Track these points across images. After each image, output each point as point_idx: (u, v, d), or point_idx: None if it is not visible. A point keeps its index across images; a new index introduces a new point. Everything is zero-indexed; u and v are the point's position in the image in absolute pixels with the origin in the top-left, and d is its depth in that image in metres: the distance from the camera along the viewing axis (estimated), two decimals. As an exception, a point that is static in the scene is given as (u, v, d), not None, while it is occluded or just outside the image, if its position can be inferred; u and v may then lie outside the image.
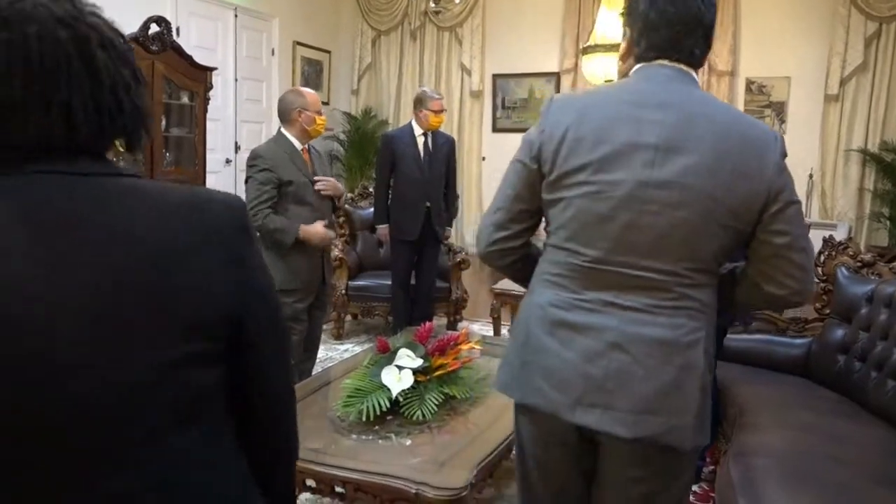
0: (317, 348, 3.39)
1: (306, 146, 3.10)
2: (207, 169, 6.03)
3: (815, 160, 6.92)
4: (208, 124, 5.99)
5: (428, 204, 4.22)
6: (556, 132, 1.33)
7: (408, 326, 4.26)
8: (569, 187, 1.31)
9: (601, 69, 5.92)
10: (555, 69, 7.87)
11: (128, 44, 0.81)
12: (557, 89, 7.87)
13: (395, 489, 1.74)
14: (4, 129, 0.72)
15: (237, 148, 7.14)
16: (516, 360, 1.40)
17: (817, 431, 2.26)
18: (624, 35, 1.45)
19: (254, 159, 2.97)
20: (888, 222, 6.57)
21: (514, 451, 1.55)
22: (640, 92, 1.34)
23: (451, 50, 8.34)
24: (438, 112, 4.29)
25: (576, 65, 7.60)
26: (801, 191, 5.40)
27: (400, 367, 2.23)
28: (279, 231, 2.93)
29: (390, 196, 4.29)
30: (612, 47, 5.70)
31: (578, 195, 1.30)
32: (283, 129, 3.06)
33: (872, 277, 2.83)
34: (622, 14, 1.47)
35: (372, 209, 4.62)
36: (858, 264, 2.96)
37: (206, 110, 5.84)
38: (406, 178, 4.23)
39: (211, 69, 5.80)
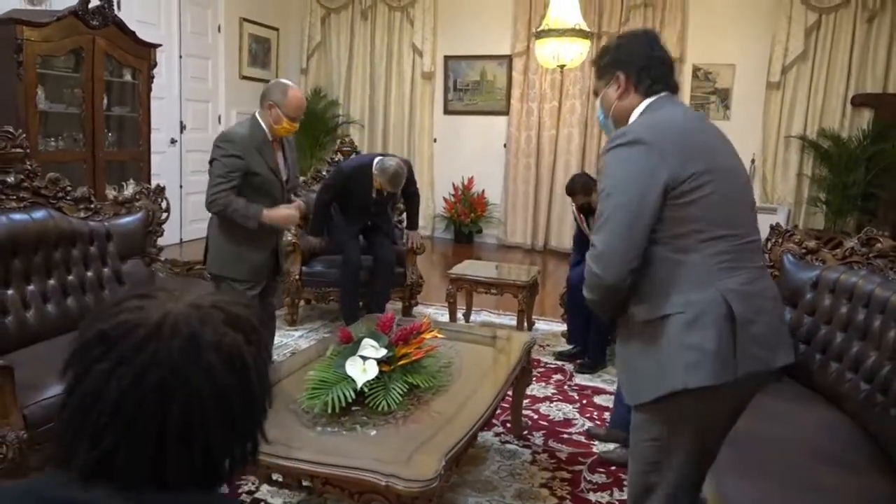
0: (272, 336, 3.33)
1: (276, 139, 2.99)
2: (152, 149, 5.84)
3: (757, 146, 7.15)
4: (153, 103, 5.79)
5: (370, 222, 4.45)
6: (669, 154, 1.55)
7: (360, 308, 4.26)
8: (699, 188, 1.54)
9: (552, 53, 5.96)
10: (507, 52, 7.88)
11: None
12: (509, 72, 7.89)
13: (364, 482, 1.73)
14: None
15: (182, 127, 6.93)
16: (724, 346, 1.50)
17: (765, 414, 2.35)
18: (614, 77, 1.70)
19: (225, 142, 2.84)
20: (824, 206, 6.85)
21: (661, 445, 1.64)
22: (685, 116, 1.73)
23: (402, 30, 8.25)
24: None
25: (528, 48, 7.62)
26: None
27: (364, 358, 2.21)
28: (241, 215, 2.83)
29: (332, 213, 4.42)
30: (565, 32, 5.74)
31: (709, 192, 1.54)
32: (257, 114, 2.92)
33: (817, 263, 2.95)
34: (602, 62, 1.75)
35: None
36: (803, 251, 3.07)
37: (150, 88, 5.64)
38: (354, 209, 4.37)
39: (155, 46, 5.60)
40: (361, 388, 2.14)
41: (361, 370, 2.18)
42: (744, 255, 1.60)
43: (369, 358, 2.21)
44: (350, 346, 2.29)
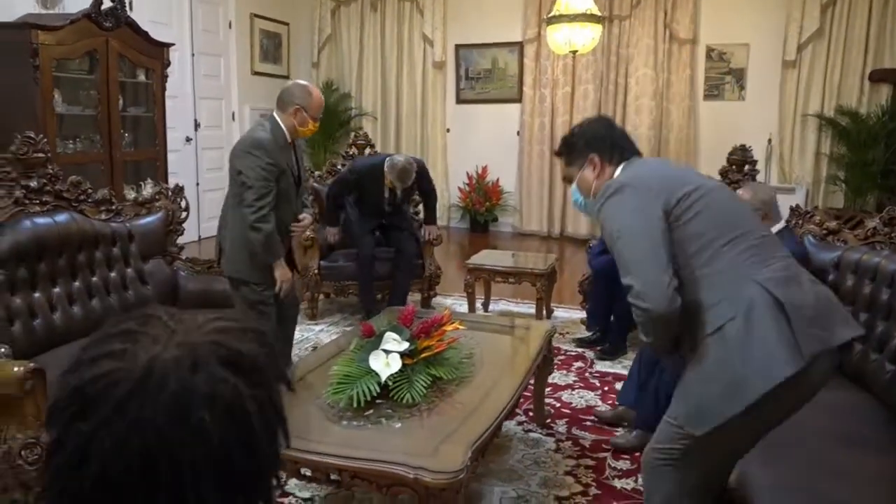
0: (292, 336, 3.31)
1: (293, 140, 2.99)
2: (168, 148, 5.88)
3: (773, 126, 7.07)
4: (167, 102, 5.83)
5: (385, 220, 4.49)
6: (655, 188, 1.68)
7: (378, 300, 4.29)
8: (695, 203, 1.65)
9: (564, 38, 5.93)
10: (518, 39, 7.84)
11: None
12: (521, 59, 7.85)
13: (392, 475, 1.75)
14: None
15: (196, 125, 6.97)
16: (784, 331, 1.52)
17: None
18: (588, 160, 1.85)
19: (257, 148, 2.78)
20: (843, 185, 6.77)
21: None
22: (656, 161, 1.97)
23: (412, 20, 8.23)
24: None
25: (539, 34, 7.58)
26: (760, 156, 5.49)
27: (387, 352, 2.23)
28: (268, 247, 2.85)
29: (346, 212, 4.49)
30: (577, 17, 5.71)
31: (705, 205, 1.65)
32: (276, 116, 2.89)
33: (838, 244, 2.93)
34: (571, 150, 1.91)
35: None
36: (824, 232, 3.05)
37: (164, 88, 5.68)
38: (368, 207, 4.44)
39: (168, 45, 5.63)
40: (385, 381, 2.16)
41: (385, 364, 2.20)
42: (765, 247, 1.65)
43: (392, 351, 2.23)
44: (372, 340, 2.31)
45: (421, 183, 4.45)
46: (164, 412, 0.61)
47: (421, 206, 4.78)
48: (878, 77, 6.66)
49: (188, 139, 6.84)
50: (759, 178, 4.44)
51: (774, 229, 2.84)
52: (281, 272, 2.96)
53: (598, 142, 1.85)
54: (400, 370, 2.20)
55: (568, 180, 1.94)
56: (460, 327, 2.52)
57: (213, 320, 0.69)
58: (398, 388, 2.16)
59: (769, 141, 6.95)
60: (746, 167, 4.32)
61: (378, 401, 2.14)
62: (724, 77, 7.32)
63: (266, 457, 0.68)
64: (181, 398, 0.61)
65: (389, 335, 2.29)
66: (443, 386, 2.29)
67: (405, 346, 2.26)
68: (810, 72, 6.93)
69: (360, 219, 4.46)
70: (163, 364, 0.62)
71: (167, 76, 5.71)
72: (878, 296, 2.54)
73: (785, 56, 6.95)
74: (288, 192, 2.93)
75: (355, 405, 2.08)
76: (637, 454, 2.78)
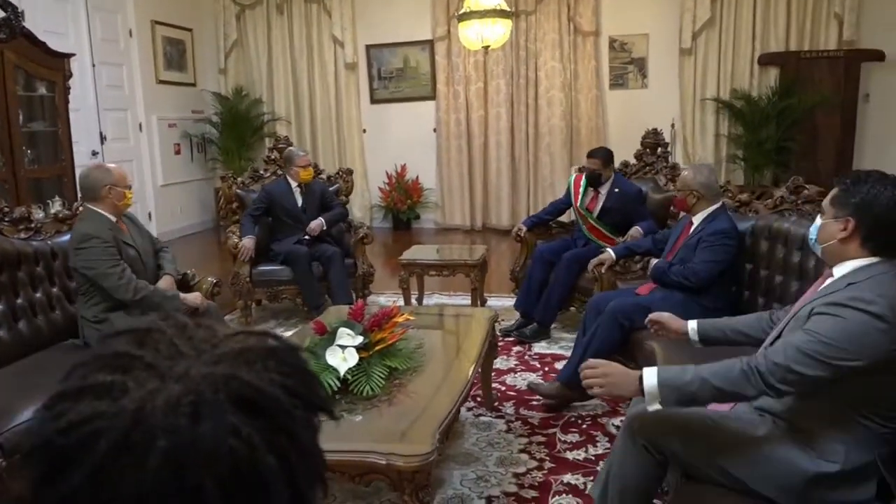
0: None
1: (120, 218, 2.98)
2: (75, 163, 5.61)
3: (675, 111, 7.45)
4: (70, 115, 5.57)
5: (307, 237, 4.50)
6: None
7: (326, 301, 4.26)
8: None
9: (476, 34, 6.05)
10: (428, 37, 7.92)
11: None
12: (432, 57, 7.94)
13: (364, 463, 1.78)
14: None
15: (103, 138, 6.69)
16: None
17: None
18: (844, 219, 1.67)
19: (88, 239, 2.76)
20: (743, 163, 7.22)
21: None
22: None
23: (320, 22, 8.16)
24: (305, 167, 4.55)
25: (448, 32, 7.70)
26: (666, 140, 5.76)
27: (342, 347, 2.25)
28: (166, 298, 2.91)
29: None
30: (488, 13, 5.84)
31: None
32: (91, 206, 2.88)
33: (750, 215, 3.15)
34: (843, 194, 1.68)
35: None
36: (737, 204, 3.27)
37: (67, 100, 5.42)
38: (287, 219, 4.53)
39: (69, 56, 5.38)
40: (344, 375, 2.18)
41: (342, 358, 2.22)
42: None
43: (348, 346, 2.25)
44: (326, 337, 2.32)
45: (331, 201, 4.71)
46: (152, 479, 0.45)
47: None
48: (766, 61, 7.15)
49: (94, 153, 6.55)
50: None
51: (711, 209, 3.02)
52: (190, 298, 3.06)
53: (867, 214, 1.62)
54: (357, 364, 2.23)
55: (820, 212, 1.76)
56: (411, 318, 2.57)
57: (234, 337, 0.55)
58: (357, 381, 2.19)
59: (672, 125, 7.32)
60: (659, 149, 4.58)
61: (337, 396, 2.16)
62: (627, 66, 7.65)
63: None
64: (174, 459, 0.46)
65: (343, 330, 2.31)
66: (398, 376, 2.33)
67: (360, 339, 2.29)
68: (705, 58, 7.36)
69: (281, 237, 4.54)
70: (155, 409, 0.47)
71: (69, 88, 5.45)
72: (790, 258, 2.76)
73: (681, 44, 7.35)
74: (135, 265, 2.95)
75: (317, 401, 2.09)
76: (585, 426, 2.92)
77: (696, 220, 3.07)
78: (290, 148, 4.86)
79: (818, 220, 1.74)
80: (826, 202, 1.72)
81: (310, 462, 0.54)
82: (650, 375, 1.64)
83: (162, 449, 0.46)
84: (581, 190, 4.17)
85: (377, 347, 2.34)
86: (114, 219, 2.92)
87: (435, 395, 2.22)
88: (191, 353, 0.51)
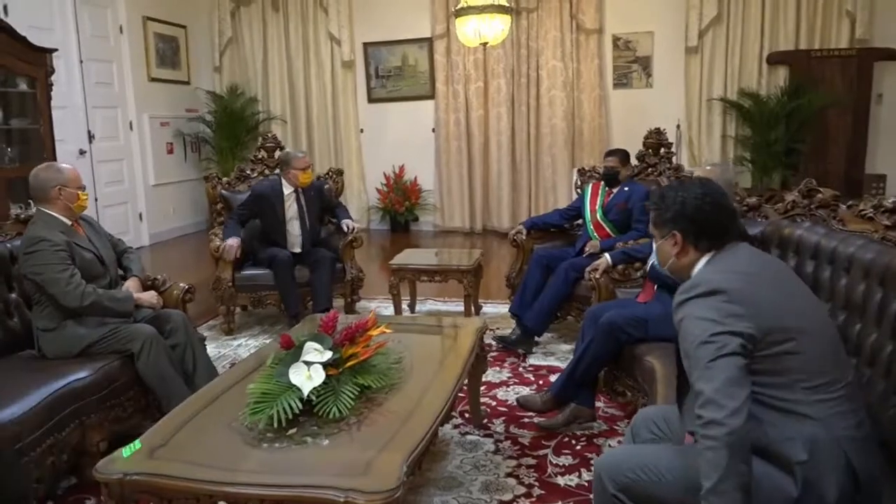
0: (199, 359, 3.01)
1: (76, 220, 2.81)
2: (60, 161, 5.43)
3: (681, 111, 7.23)
4: (55, 113, 5.41)
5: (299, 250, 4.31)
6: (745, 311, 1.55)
7: (305, 308, 4.06)
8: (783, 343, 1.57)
9: (474, 31, 5.85)
10: (427, 35, 7.72)
11: None
12: (431, 55, 7.74)
13: (321, 500, 1.58)
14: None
15: (91, 137, 6.51)
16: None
17: None
18: (670, 234, 1.74)
19: (36, 243, 2.60)
20: (750, 165, 6.99)
21: None
22: (756, 261, 1.77)
23: (317, 19, 7.98)
24: (305, 169, 4.27)
25: (448, 29, 7.50)
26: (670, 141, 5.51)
27: (308, 363, 2.05)
28: (117, 301, 2.71)
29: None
30: (486, 8, 5.64)
31: (797, 348, 1.58)
32: (43, 209, 2.71)
33: (759, 220, 2.93)
34: (658, 214, 1.76)
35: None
36: (745, 208, 3.05)
37: (49, 97, 5.25)
38: (274, 230, 4.31)
39: (50, 51, 5.20)
40: (308, 396, 1.97)
41: (307, 377, 2.01)
42: (850, 399, 1.57)
43: (314, 363, 2.04)
44: (292, 352, 2.11)
45: (330, 202, 4.55)
46: None
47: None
48: (775, 59, 6.92)
49: (82, 152, 6.38)
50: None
51: None
52: (145, 297, 2.87)
53: (684, 221, 1.69)
54: (324, 382, 2.01)
55: (650, 236, 1.81)
56: (387, 331, 2.36)
57: None
58: (323, 401, 1.98)
59: (678, 126, 7.10)
60: (662, 150, 4.36)
61: (302, 418, 1.95)
62: (632, 65, 7.43)
63: None
64: None
65: (310, 345, 2.10)
66: (371, 395, 2.12)
67: (328, 355, 2.08)
68: (712, 57, 7.13)
69: (268, 244, 4.32)
70: None
71: (52, 84, 5.27)
72: (801, 268, 2.54)
73: (687, 42, 7.12)
74: (92, 269, 2.76)
75: (276, 425, 1.88)
76: (579, 448, 2.70)
77: None
78: (288, 150, 4.65)
79: (653, 246, 1.82)
80: (651, 228, 1.81)
81: None
82: None
83: None
84: (599, 196, 4.04)
85: (348, 363, 2.13)
86: (68, 221, 2.74)
87: (409, 417, 2.01)
88: None
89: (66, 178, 2.71)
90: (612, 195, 4.00)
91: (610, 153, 4.11)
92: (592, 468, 1.74)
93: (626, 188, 3.97)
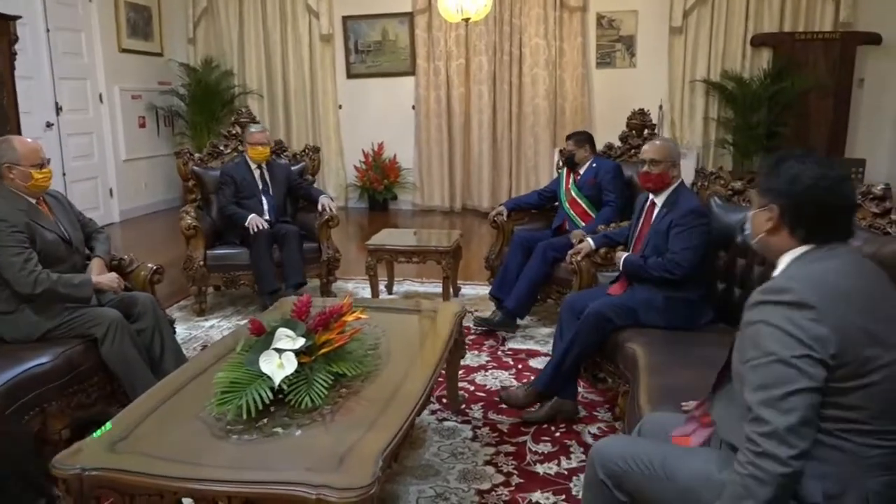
0: (173, 349, 2.90)
1: (41, 198, 2.64)
2: (24, 135, 5.22)
3: (664, 92, 7.16)
4: (19, 83, 5.20)
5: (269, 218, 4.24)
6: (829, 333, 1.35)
7: (280, 289, 3.95)
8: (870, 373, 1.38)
9: (456, 5, 5.73)
10: (408, 9, 7.55)
11: None
12: (412, 30, 7.57)
13: (291, 497, 1.50)
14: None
15: (58, 109, 6.29)
16: None
17: (693, 361, 2.26)
18: (768, 207, 1.49)
19: None
20: (732, 148, 6.96)
21: None
22: (857, 278, 1.51)
23: (295, -9, 7.76)
24: (255, 145, 4.23)
25: (429, 4, 7.34)
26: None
27: (279, 351, 1.96)
28: (73, 286, 2.54)
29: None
30: (468, -18, 5.50)
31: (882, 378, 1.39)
32: (6, 185, 2.54)
33: (744, 205, 2.88)
34: (766, 179, 1.50)
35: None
36: (730, 192, 3.00)
37: (13, 67, 5.04)
38: (250, 199, 4.26)
39: (13, 18, 4.98)
40: (280, 385, 1.89)
41: (278, 365, 1.92)
42: None
43: (286, 350, 1.95)
44: (263, 339, 2.02)
45: (299, 182, 4.49)
46: None
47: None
48: (759, 41, 6.87)
49: (49, 124, 6.16)
50: (658, 142, 4.41)
51: (673, 186, 2.84)
52: (105, 281, 2.69)
53: (789, 198, 1.44)
54: (296, 371, 1.93)
55: (749, 202, 1.59)
56: (362, 316, 2.27)
57: None
58: (295, 391, 1.89)
59: (660, 107, 7.03)
60: (646, 131, 4.29)
61: (272, 408, 1.87)
62: (615, 45, 7.34)
63: None
64: None
65: (282, 331, 2.00)
66: (347, 384, 2.04)
67: (301, 342, 1.99)
68: (696, 37, 7.06)
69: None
70: None
71: (16, 54, 5.06)
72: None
73: (672, 22, 7.04)
74: (56, 251, 2.60)
75: (245, 416, 1.80)
76: (558, 434, 2.65)
77: (659, 200, 2.85)
78: (249, 123, 4.56)
79: (749, 212, 1.57)
80: (752, 193, 1.57)
81: None
82: None
83: None
84: (571, 175, 4.08)
85: (322, 351, 2.04)
86: (32, 199, 2.58)
87: (386, 407, 1.93)
88: None
89: (17, 155, 2.51)
90: (580, 175, 4.01)
91: (568, 136, 4.15)
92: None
93: (594, 164, 4.00)
